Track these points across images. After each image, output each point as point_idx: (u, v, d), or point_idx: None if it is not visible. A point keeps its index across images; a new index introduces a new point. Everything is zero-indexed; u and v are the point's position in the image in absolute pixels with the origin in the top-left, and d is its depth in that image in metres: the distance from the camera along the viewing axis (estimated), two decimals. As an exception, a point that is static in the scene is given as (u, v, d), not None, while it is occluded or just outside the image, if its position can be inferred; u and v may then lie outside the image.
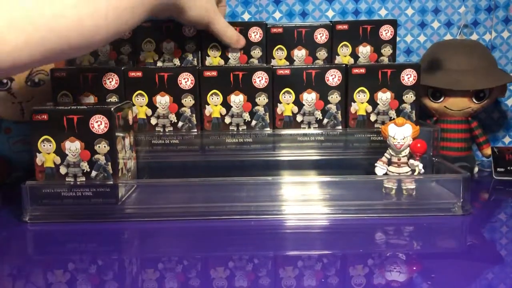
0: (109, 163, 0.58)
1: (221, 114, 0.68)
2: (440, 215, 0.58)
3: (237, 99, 0.68)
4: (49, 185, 0.58)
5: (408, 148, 0.62)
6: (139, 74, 0.67)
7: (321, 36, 0.73)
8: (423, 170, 0.62)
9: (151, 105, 0.68)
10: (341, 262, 0.47)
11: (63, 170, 0.59)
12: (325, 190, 0.60)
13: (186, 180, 0.62)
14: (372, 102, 0.69)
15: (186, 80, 0.67)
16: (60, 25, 0.45)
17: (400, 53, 0.88)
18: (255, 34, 0.72)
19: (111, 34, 0.51)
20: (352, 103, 0.69)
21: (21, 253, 0.52)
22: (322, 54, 0.73)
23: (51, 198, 0.58)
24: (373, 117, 0.69)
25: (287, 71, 0.68)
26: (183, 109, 0.68)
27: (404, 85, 0.69)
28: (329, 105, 0.69)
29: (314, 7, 0.88)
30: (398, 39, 0.84)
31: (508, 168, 0.76)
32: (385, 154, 0.64)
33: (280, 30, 0.73)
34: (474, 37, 0.88)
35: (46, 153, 0.58)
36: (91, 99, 0.67)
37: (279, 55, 0.73)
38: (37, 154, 0.58)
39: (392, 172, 0.63)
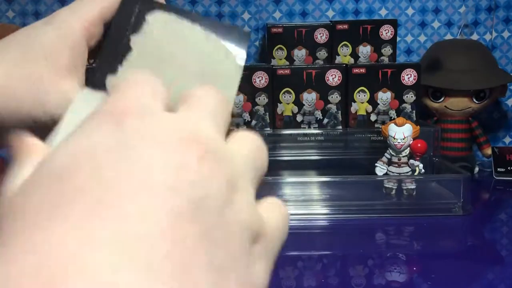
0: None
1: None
2: (440, 215, 0.58)
3: (237, 99, 0.68)
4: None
5: (409, 148, 0.62)
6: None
7: (321, 36, 0.73)
8: (423, 170, 0.62)
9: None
10: (341, 263, 0.47)
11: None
12: (325, 190, 0.60)
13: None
14: (372, 102, 0.69)
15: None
16: None
17: (401, 53, 0.88)
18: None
19: None
20: (352, 103, 0.69)
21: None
22: (322, 54, 0.73)
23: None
24: (373, 117, 0.69)
25: (287, 71, 0.68)
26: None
27: (405, 85, 0.68)
28: (329, 105, 0.69)
29: (314, 7, 0.87)
30: (398, 39, 0.84)
31: (509, 168, 0.76)
32: (385, 154, 0.64)
33: (280, 30, 0.73)
34: (475, 37, 0.88)
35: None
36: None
37: (279, 55, 0.73)
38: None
39: (393, 172, 0.63)
